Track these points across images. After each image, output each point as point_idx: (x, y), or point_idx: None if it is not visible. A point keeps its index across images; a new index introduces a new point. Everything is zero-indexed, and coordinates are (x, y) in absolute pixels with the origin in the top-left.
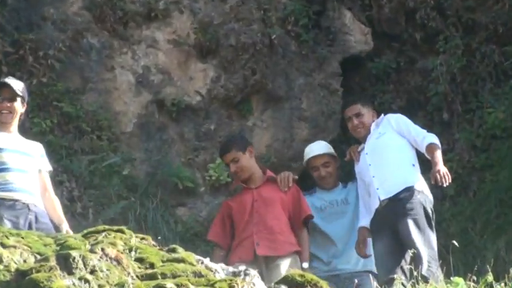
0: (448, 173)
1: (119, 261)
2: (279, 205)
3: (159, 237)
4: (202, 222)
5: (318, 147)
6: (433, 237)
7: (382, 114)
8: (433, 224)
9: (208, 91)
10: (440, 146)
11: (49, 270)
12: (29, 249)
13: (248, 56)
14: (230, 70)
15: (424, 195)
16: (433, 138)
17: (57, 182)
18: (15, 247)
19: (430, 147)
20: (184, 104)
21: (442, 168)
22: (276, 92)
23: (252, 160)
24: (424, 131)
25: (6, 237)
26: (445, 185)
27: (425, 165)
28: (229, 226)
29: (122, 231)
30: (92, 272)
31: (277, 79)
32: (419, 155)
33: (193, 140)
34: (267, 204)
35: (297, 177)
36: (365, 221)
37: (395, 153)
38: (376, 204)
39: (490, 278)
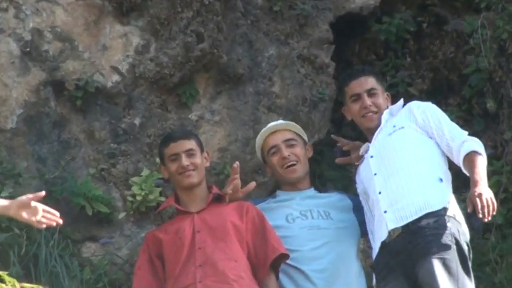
0: (494, 200)
1: None
2: (233, 237)
3: None
4: (122, 265)
5: (277, 122)
6: (470, 286)
7: (402, 100)
8: (470, 266)
9: (131, 67)
10: (485, 156)
11: None
12: None
13: (191, 13)
14: (164, 35)
15: (457, 223)
16: (476, 145)
17: None
18: None
19: (470, 158)
20: (94, 87)
21: (485, 191)
22: (233, 68)
23: (204, 169)
24: (465, 133)
25: None
26: (486, 219)
27: (460, 178)
28: (161, 269)
29: (0, 279)
30: None
31: (236, 49)
32: (452, 164)
33: (108, 141)
34: (216, 236)
35: (254, 183)
36: None
37: (415, 159)
38: (383, 236)
39: None
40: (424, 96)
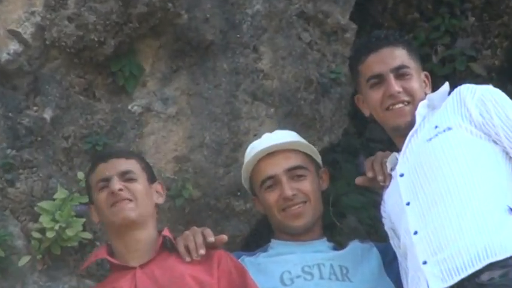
0: None
1: None
2: None
3: None
4: None
5: (277, 136)
6: None
7: (447, 84)
8: None
9: (38, 31)
10: None
11: None
12: None
13: None
14: None
15: None
16: None
17: None
18: None
19: None
20: None
21: None
22: (198, 32)
23: (153, 205)
24: None
25: None
26: None
27: None
28: None
29: None
30: None
31: (202, 3)
32: None
33: (2, 145)
34: None
35: (225, 237)
36: None
37: (469, 178)
38: None
39: None
40: (495, 77)
